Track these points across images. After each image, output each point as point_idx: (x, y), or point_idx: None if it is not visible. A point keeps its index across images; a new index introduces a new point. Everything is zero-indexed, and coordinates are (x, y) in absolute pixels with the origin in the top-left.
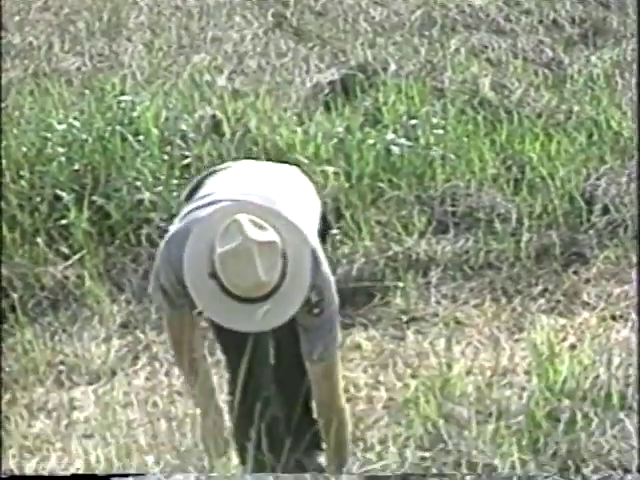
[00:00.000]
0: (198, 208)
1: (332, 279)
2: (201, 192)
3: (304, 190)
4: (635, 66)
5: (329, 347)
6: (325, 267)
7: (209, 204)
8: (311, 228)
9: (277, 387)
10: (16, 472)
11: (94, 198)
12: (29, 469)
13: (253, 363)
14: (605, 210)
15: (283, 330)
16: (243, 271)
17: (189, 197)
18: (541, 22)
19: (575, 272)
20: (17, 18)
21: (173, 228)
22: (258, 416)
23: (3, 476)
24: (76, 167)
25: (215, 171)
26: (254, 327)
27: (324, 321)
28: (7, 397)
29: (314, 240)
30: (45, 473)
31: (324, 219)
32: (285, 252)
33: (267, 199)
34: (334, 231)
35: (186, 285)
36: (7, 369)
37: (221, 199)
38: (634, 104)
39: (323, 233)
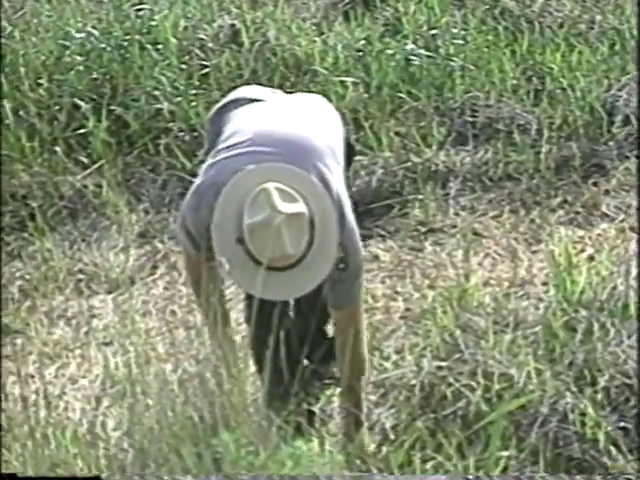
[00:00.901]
0: (226, 158)
1: (357, 230)
2: (228, 130)
3: (330, 121)
4: None
5: (354, 294)
6: (350, 220)
7: (238, 155)
8: (339, 174)
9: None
10: (37, 377)
11: (112, 107)
12: (49, 375)
13: None
14: (626, 121)
15: None
16: (270, 243)
17: (213, 125)
18: None
19: (595, 184)
20: None
21: (200, 178)
22: (275, 326)
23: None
24: (94, 76)
25: (241, 101)
26: (279, 295)
27: (349, 274)
28: (27, 304)
29: (341, 189)
30: (64, 379)
31: (349, 145)
32: (313, 220)
33: (297, 156)
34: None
35: (211, 236)
36: (27, 277)
37: (250, 150)
38: None
39: (348, 160)
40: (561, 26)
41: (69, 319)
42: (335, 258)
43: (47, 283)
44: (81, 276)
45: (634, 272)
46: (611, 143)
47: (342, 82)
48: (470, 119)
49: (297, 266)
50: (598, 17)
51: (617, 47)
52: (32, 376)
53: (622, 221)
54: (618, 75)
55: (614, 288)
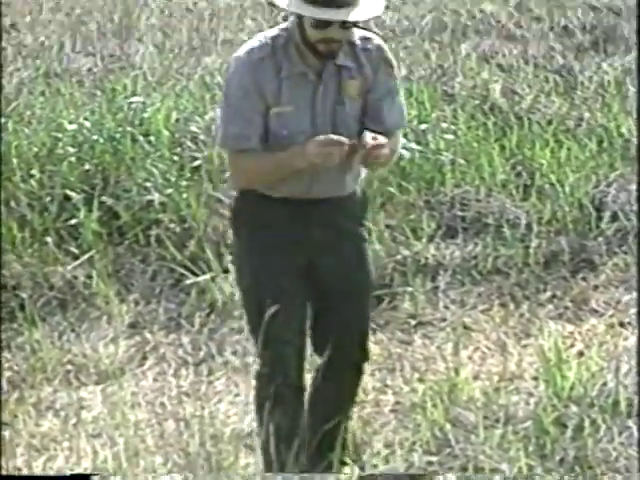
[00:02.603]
0: None
1: None
2: None
3: None
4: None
5: (403, 112)
6: None
7: None
8: None
9: None
10: (25, 471)
11: (104, 198)
12: (37, 468)
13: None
14: (614, 217)
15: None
16: None
17: None
18: (552, 29)
19: (584, 279)
20: (29, 18)
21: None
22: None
23: (3, 473)
24: (86, 167)
25: None
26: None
27: (395, 84)
28: (15, 395)
29: None
30: (52, 472)
31: None
32: None
33: None
34: None
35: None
36: (16, 368)
37: None
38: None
39: None
40: (550, 122)
41: (57, 410)
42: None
43: (35, 374)
44: (70, 367)
45: (624, 368)
46: (600, 239)
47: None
48: (460, 213)
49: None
50: (586, 114)
51: (605, 144)
52: (19, 469)
53: (611, 316)
54: (606, 172)
55: (604, 384)
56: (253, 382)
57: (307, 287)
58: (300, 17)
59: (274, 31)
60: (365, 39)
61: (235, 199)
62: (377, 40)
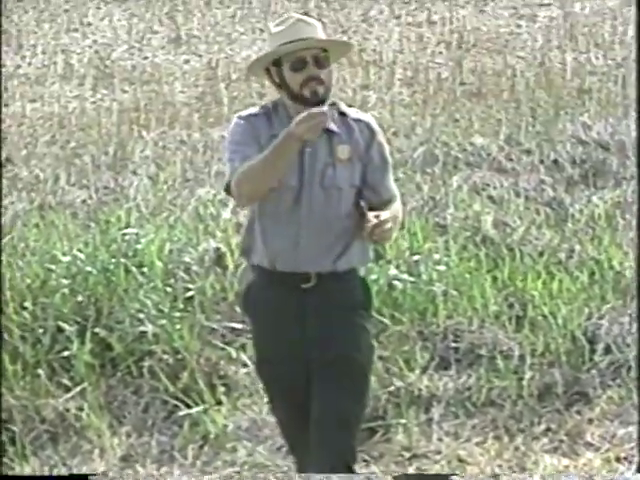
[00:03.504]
0: None
1: None
2: None
3: None
4: (635, 207)
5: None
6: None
7: None
8: None
9: None
10: None
11: (97, 330)
12: None
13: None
14: (607, 350)
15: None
16: None
17: None
18: (542, 162)
19: (578, 412)
20: (24, 152)
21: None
22: None
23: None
24: (79, 299)
25: None
26: None
27: (387, 156)
28: None
29: None
30: None
31: None
32: None
33: None
34: None
35: None
36: None
37: None
38: (635, 244)
39: None
40: (541, 254)
41: None
42: None
43: None
44: None
45: None
46: (593, 371)
47: None
48: (453, 344)
49: None
50: (577, 247)
51: (596, 276)
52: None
53: (607, 451)
54: (598, 304)
55: None
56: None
57: (306, 372)
58: (282, 76)
59: (265, 104)
60: (357, 113)
61: (244, 286)
62: (369, 117)
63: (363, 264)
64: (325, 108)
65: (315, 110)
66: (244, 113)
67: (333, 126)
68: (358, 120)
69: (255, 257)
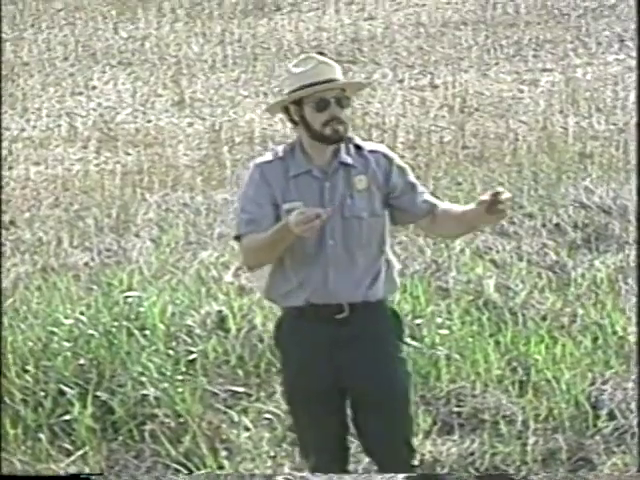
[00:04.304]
0: None
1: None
2: None
3: None
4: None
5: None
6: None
7: None
8: None
9: None
10: None
11: (98, 393)
12: None
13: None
14: (611, 416)
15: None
16: None
17: None
18: (544, 226)
19: (583, 478)
20: (27, 215)
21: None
22: None
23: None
24: (81, 362)
25: None
26: None
27: (411, 178)
28: None
29: None
30: None
31: None
32: None
33: None
34: None
35: None
36: None
37: None
38: (637, 308)
39: None
40: (544, 319)
41: None
42: None
43: None
44: None
45: None
46: (597, 437)
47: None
48: (456, 409)
49: None
50: (580, 311)
51: (600, 341)
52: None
53: None
54: (602, 369)
55: None
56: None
57: (338, 406)
58: (303, 115)
59: (282, 146)
60: (371, 145)
61: (278, 318)
62: (383, 147)
63: (392, 292)
64: (323, 212)
65: (313, 212)
66: (259, 160)
67: (349, 159)
68: (373, 152)
69: (289, 300)
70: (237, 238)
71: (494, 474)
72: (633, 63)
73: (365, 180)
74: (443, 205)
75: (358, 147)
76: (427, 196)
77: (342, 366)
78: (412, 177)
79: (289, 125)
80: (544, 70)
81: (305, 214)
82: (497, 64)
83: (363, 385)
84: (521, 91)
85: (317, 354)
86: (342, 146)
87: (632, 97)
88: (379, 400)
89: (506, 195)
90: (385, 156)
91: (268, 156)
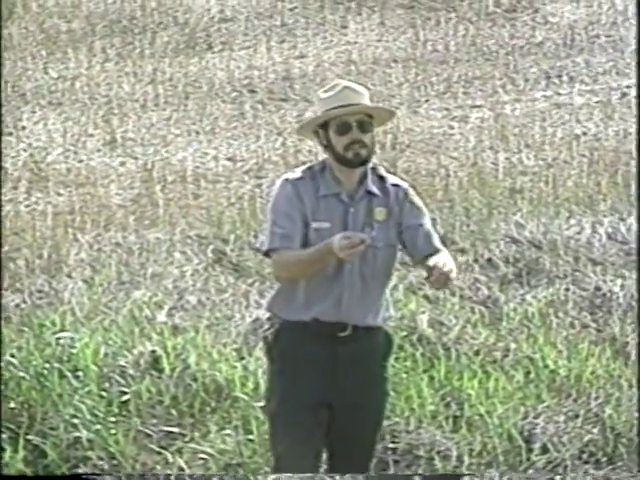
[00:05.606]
0: None
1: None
2: None
3: None
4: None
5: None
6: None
7: None
8: None
9: None
10: None
11: (30, 437)
12: None
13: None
14: (544, 449)
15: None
16: None
17: None
18: (476, 261)
19: None
20: None
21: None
22: None
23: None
24: (12, 405)
25: None
26: None
27: (424, 218)
28: None
29: None
30: None
31: None
32: None
33: None
34: None
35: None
36: None
37: None
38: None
39: None
40: (477, 353)
41: None
42: None
43: None
44: None
45: None
46: (530, 471)
47: (263, 407)
48: (391, 445)
49: None
50: (512, 345)
51: (532, 375)
52: None
53: None
54: (534, 403)
55: None
56: None
57: (322, 422)
58: (328, 138)
59: (311, 165)
60: (394, 179)
61: (273, 329)
62: (406, 184)
63: (387, 319)
64: (367, 237)
65: (358, 238)
66: (291, 176)
67: (374, 189)
68: (395, 185)
69: (295, 314)
70: (268, 251)
71: None
72: (560, 99)
73: (384, 212)
74: (438, 255)
75: (381, 178)
76: (430, 240)
77: (336, 381)
78: (425, 219)
79: (222, 163)
80: (474, 106)
81: (350, 239)
82: (427, 101)
83: (351, 401)
84: (451, 127)
85: (314, 367)
86: (369, 174)
87: (559, 133)
88: (361, 414)
89: (446, 268)
90: (404, 191)
91: (298, 173)
